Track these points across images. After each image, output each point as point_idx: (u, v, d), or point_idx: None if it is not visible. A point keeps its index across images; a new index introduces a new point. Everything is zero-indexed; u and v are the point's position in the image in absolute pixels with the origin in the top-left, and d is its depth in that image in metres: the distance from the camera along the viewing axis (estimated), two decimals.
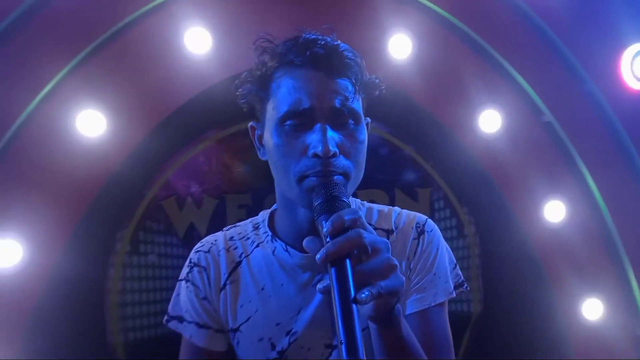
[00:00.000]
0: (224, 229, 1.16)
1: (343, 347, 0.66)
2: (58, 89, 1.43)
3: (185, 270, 1.11)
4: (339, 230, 0.75)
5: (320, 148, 0.90)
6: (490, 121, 1.72)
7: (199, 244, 1.13)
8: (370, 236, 0.75)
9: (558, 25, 1.67)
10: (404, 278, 0.80)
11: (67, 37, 1.40)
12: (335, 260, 0.71)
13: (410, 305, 1.04)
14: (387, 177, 1.76)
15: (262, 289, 1.06)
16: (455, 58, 1.69)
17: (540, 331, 1.81)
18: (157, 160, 1.59)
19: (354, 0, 1.63)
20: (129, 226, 1.57)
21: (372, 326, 0.87)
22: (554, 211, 1.77)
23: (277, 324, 1.03)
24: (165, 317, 1.12)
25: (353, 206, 1.11)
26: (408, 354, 0.86)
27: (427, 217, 1.14)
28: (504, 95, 1.72)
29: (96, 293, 1.55)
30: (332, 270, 0.71)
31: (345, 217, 0.76)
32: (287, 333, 1.03)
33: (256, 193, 1.65)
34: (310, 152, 0.91)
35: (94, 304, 1.55)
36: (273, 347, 1.03)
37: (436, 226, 1.13)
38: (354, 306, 0.68)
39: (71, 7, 1.38)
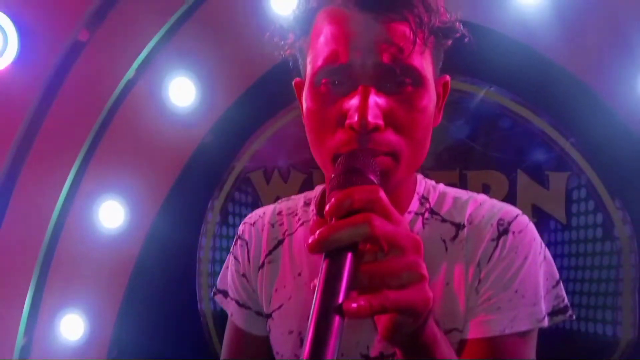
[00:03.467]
0: (278, 201, 1.04)
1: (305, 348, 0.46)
2: (152, 57, 1.50)
3: (234, 241, 1.03)
4: (342, 213, 0.55)
5: (356, 118, 0.70)
6: None
7: (248, 216, 1.04)
8: (388, 227, 0.53)
9: None
10: (431, 294, 0.57)
11: (158, 5, 1.44)
12: (331, 252, 0.53)
13: (475, 329, 0.80)
14: (508, 157, 1.49)
15: (299, 274, 0.92)
16: (608, 3, 1.28)
17: None
18: (246, 130, 1.57)
19: None
20: (220, 196, 1.61)
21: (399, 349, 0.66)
22: None
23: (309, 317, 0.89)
24: (213, 290, 1.07)
25: (419, 188, 0.90)
26: None
27: (519, 213, 0.85)
28: None
29: (189, 260, 1.63)
30: (323, 264, 0.52)
31: (355, 196, 0.55)
32: None
33: None
34: (347, 122, 0.72)
35: (187, 272, 1.63)
36: (302, 343, 0.89)
37: (531, 226, 0.85)
38: (336, 317, 0.49)
39: None
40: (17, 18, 1.43)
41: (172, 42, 1.48)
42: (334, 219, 0.55)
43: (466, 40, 0.81)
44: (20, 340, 1.62)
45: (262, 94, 1.53)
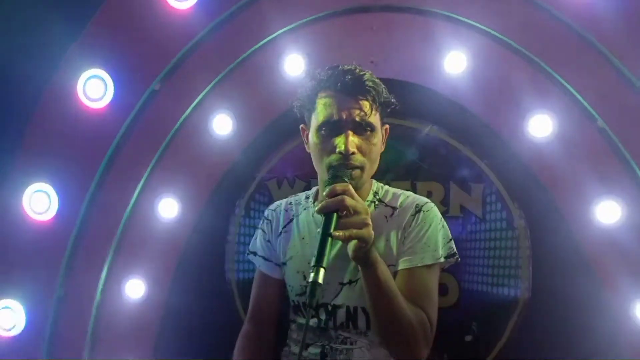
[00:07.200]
0: (290, 196, 1.66)
1: (315, 257, 1.08)
2: (203, 101, 2.10)
3: (261, 221, 1.65)
4: (332, 195, 1.17)
5: (343, 147, 1.34)
6: (540, 127, 1.90)
7: (271, 205, 1.65)
8: (352, 201, 1.16)
9: (606, 35, 1.77)
10: (373, 232, 1.19)
11: (210, 66, 2.06)
12: (326, 213, 1.15)
13: (402, 264, 1.38)
14: (444, 172, 2.03)
15: (303, 238, 1.52)
16: (507, 71, 1.91)
17: (589, 329, 1.88)
18: (265, 152, 2.15)
19: (416, 25, 1.98)
20: (245, 197, 2.17)
21: (360, 267, 1.27)
22: (608, 212, 1.86)
23: (309, 263, 1.47)
24: (247, 252, 1.67)
25: (374, 188, 1.52)
26: (382, 290, 1.23)
27: (428, 201, 1.47)
28: (555, 103, 1.88)
29: (220, 242, 2.17)
30: (324, 218, 1.16)
31: (337, 187, 1.20)
32: None
33: None
34: (337, 150, 1.36)
35: (219, 249, 2.16)
36: (304, 278, 1.48)
37: (435, 208, 1.46)
38: (328, 238, 1.11)
39: (214, 47, 2.05)
40: (113, 73, 2.05)
41: (217, 90, 2.07)
42: (327, 198, 1.17)
43: (397, 107, 1.46)
44: (98, 298, 2.08)
45: (277, 128, 2.08)
